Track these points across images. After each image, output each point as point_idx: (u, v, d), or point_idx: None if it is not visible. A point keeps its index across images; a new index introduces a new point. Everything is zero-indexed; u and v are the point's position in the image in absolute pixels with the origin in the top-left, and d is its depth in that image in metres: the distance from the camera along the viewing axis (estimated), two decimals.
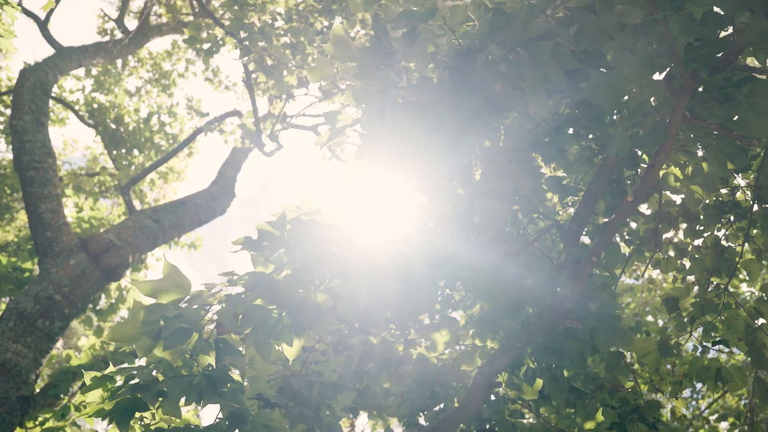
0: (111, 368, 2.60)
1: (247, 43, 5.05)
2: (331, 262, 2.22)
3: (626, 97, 1.87)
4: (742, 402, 9.76)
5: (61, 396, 5.83)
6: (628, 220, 3.23)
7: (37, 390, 6.03)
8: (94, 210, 8.37)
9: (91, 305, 6.88)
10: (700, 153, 2.37)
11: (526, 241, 2.95)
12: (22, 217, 11.57)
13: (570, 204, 3.14)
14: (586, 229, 3.19)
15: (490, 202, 2.67)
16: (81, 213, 8.38)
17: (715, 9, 1.87)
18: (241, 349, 2.41)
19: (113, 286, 7.14)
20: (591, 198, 2.32)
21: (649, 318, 9.63)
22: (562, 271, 2.37)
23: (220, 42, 5.90)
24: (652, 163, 1.91)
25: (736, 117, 1.73)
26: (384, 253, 2.41)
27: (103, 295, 7.01)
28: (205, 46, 5.93)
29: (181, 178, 10.27)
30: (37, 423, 5.68)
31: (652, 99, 1.98)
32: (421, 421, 3.99)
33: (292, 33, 5.80)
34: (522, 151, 2.71)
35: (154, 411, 2.64)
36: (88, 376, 2.53)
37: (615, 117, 3.03)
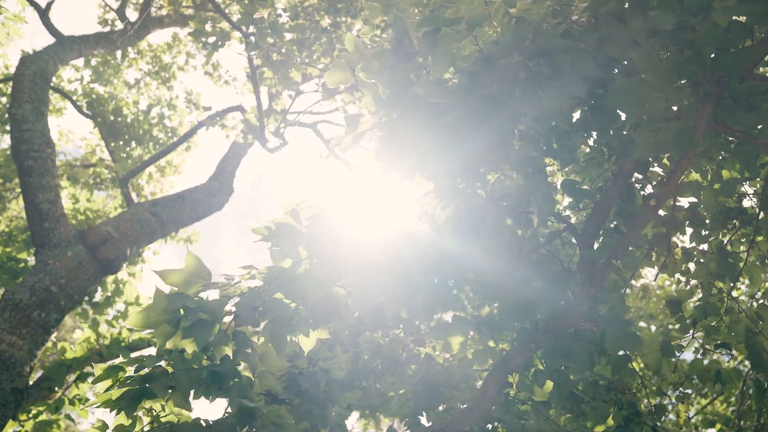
0: (121, 359, 2.59)
1: (253, 38, 5.03)
2: (347, 259, 2.22)
3: (649, 104, 1.89)
4: (730, 409, 9.88)
5: (56, 389, 5.77)
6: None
7: (31, 382, 5.95)
8: (90, 202, 8.29)
9: (86, 298, 6.81)
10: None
11: (537, 244, 2.97)
12: (14, 207, 11.42)
13: (581, 207, 3.17)
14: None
15: (502, 207, 2.68)
16: (77, 204, 8.29)
17: (740, 18, 1.90)
18: (255, 339, 2.41)
19: (110, 279, 7.07)
20: (607, 202, 2.34)
21: (642, 324, 9.72)
22: (578, 274, 2.39)
23: (226, 36, 5.86)
24: (674, 169, 1.93)
25: (761, 125, 1.76)
26: (398, 252, 2.42)
27: (99, 288, 6.94)
28: (211, 39, 5.91)
29: (178, 172, 10.19)
30: (30, 416, 5.61)
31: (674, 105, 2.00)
32: (423, 420, 4.00)
33: (297, 30, 5.79)
34: (533, 154, 2.73)
35: (164, 403, 2.63)
36: (99, 368, 2.52)
37: (625, 121, 3.06)
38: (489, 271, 2.73)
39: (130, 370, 2.53)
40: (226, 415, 2.58)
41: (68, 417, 5.81)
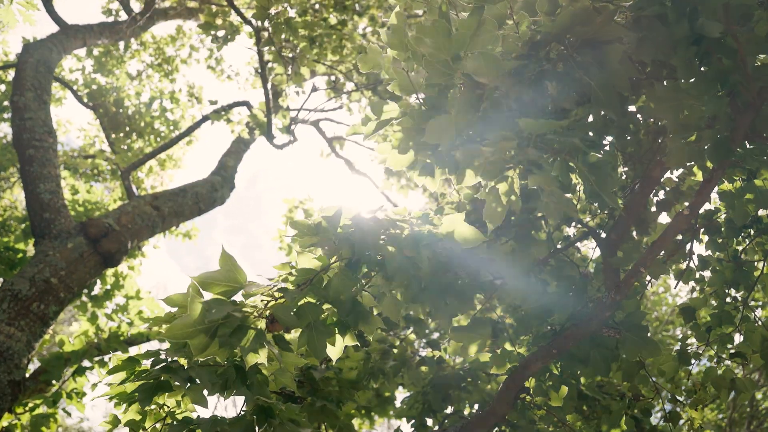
0: (132, 353, 2.54)
1: (266, 33, 4.98)
2: (373, 261, 2.19)
3: (688, 112, 1.88)
4: (719, 416, 9.95)
5: (53, 382, 5.68)
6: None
7: (27, 375, 5.87)
8: (90, 193, 8.19)
9: (85, 290, 6.73)
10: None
11: (555, 248, 2.96)
12: (8, 197, 11.26)
13: (597, 212, 3.17)
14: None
15: (527, 207, 2.67)
16: (75, 196, 8.19)
17: None
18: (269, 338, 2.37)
19: (109, 272, 6.99)
20: (634, 209, 2.34)
21: None
22: (603, 281, 2.38)
23: (235, 30, 5.81)
24: (709, 178, 1.93)
25: None
26: (419, 253, 2.39)
27: (98, 281, 6.86)
28: (220, 33, 5.85)
29: (177, 166, 10.10)
30: (26, 409, 5.52)
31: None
32: (429, 422, 3.98)
33: (308, 27, 5.75)
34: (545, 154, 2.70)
35: (179, 399, 2.59)
36: (115, 359, 2.48)
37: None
38: (508, 274, 2.71)
39: (146, 365, 2.49)
40: (242, 413, 2.54)
41: (65, 411, 5.74)
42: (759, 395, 9.82)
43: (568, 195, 2.55)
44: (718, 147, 1.82)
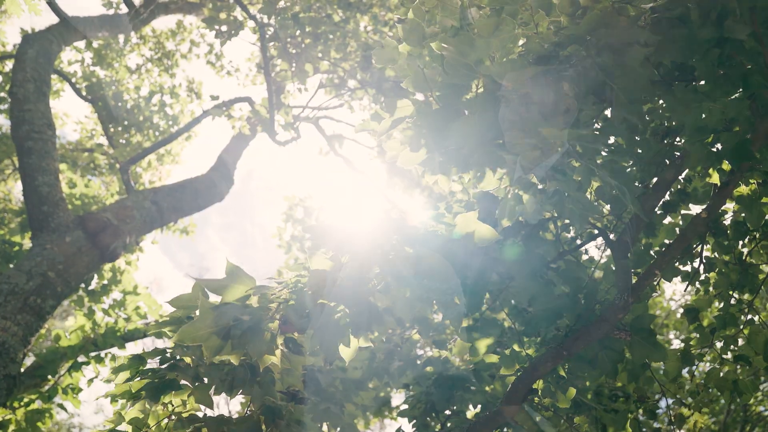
0: (128, 349, 2.52)
1: (272, 29, 4.94)
2: (386, 262, 2.17)
3: (707, 114, 1.87)
4: (712, 420, 10.00)
5: (48, 377, 5.63)
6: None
7: (22, 370, 5.81)
8: (87, 187, 8.12)
9: (82, 285, 6.67)
10: None
11: (564, 250, 2.95)
12: (2, 189, 11.15)
13: (605, 214, 3.16)
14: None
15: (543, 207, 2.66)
16: (73, 189, 8.12)
17: None
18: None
19: (107, 266, 6.93)
20: (647, 211, 2.33)
21: None
22: (616, 283, 2.38)
23: (239, 25, 5.77)
24: (727, 181, 1.93)
25: None
26: (435, 254, 2.37)
27: (95, 276, 6.80)
28: (223, 27, 5.81)
29: (175, 161, 10.04)
30: (22, 404, 5.46)
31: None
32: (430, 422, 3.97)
33: (313, 23, 5.72)
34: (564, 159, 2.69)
35: (185, 399, 2.57)
36: (121, 357, 2.45)
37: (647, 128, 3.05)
38: (518, 274, 2.69)
39: (151, 363, 2.46)
40: (249, 412, 2.52)
41: (60, 406, 5.68)
42: (751, 400, 9.88)
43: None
44: (739, 149, 1.82)
